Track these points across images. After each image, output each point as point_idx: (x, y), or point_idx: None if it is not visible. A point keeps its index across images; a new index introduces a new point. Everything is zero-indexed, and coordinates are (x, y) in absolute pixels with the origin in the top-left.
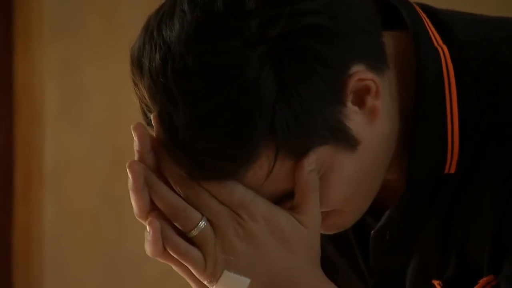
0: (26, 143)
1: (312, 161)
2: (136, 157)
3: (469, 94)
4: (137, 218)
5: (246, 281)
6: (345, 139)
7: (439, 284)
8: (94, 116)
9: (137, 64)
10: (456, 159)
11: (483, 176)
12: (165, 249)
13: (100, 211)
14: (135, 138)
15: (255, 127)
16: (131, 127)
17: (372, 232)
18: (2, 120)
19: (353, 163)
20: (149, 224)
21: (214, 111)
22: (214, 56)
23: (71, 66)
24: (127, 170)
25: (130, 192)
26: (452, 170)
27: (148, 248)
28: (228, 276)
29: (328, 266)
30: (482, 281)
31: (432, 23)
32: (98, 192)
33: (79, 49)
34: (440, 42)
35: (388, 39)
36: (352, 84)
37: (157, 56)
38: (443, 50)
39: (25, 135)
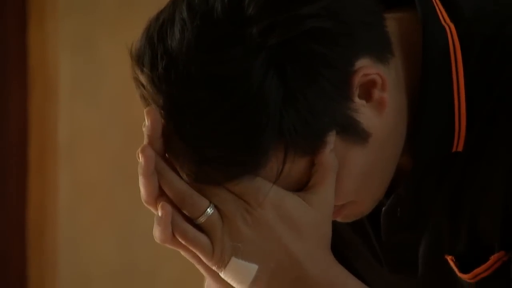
0: (41, 118)
1: (332, 141)
2: (145, 141)
3: (476, 71)
4: (144, 204)
5: (254, 267)
6: (355, 133)
7: (452, 259)
8: (108, 90)
9: (138, 64)
10: (464, 137)
11: (492, 153)
12: (173, 235)
13: (114, 185)
14: (148, 123)
15: (263, 133)
16: (145, 111)
17: (383, 209)
18: (17, 95)
19: (365, 156)
20: (161, 208)
21: (221, 121)
22: (217, 65)
23: (86, 41)
24: (139, 154)
25: (140, 177)
26: (460, 148)
27: (157, 234)
28: (236, 263)
29: (341, 243)
30: (493, 257)
31: (440, 1)
32: (112, 166)
33: (94, 24)
34: (447, 19)
35: (392, 24)
36: (358, 80)
37: (160, 65)
38: (450, 28)
39: (40, 110)
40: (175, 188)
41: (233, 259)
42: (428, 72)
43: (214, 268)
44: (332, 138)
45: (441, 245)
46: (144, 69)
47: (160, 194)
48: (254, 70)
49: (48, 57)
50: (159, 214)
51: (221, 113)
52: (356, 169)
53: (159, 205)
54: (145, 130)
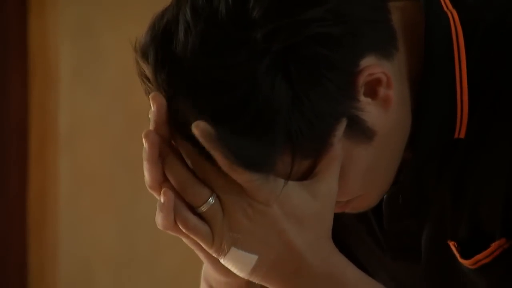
0: (41, 106)
1: (341, 130)
2: (151, 126)
3: (479, 58)
4: (148, 189)
5: (254, 257)
6: (361, 132)
7: (454, 245)
8: (109, 78)
9: (143, 62)
10: (466, 124)
11: (494, 140)
12: (176, 222)
13: (115, 173)
14: (154, 108)
15: (271, 138)
16: (150, 96)
17: (384, 197)
18: (17, 83)
19: (370, 153)
20: (164, 193)
21: (232, 130)
22: (222, 70)
23: (87, 29)
24: (143, 139)
25: (145, 162)
26: (462, 135)
27: (159, 221)
28: (236, 252)
29: (342, 231)
30: (494, 245)
31: None
32: (112, 154)
33: (94, 12)
34: (450, 6)
35: (395, 14)
36: (363, 79)
37: (164, 69)
38: (453, 14)
39: (40, 98)
40: (178, 176)
41: (233, 249)
42: (430, 59)
43: (214, 255)
44: (341, 127)
45: (443, 231)
46: (150, 69)
47: (164, 180)
48: (261, 75)
49: (49, 46)
50: (161, 200)
51: (231, 123)
52: (362, 166)
53: (162, 191)
54: (151, 115)
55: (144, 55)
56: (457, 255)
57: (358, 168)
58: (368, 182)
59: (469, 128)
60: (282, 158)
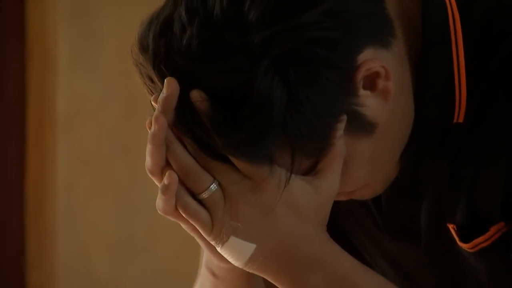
0: (39, 90)
1: (342, 127)
2: (159, 109)
3: (476, 42)
4: (148, 174)
5: (252, 246)
6: (362, 127)
7: (453, 228)
8: (107, 62)
9: (142, 49)
10: (464, 108)
11: (493, 125)
12: (176, 207)
13: (113, 157)
14: (167, 92)
15: (267, 139)
16: (166, 80)
17: None
18: (15, 66)
19: (373, 144)
20: (168, 175)
21: (229, 131)
22: (221, 75)
23: (85, 13)
24: (153, 122)
25: (150, 145)
26: (461, 120)
27: (160, 205)
28: (234, 241)
29: (340, 218)
30: (493, 228)
31: None
32: (110, 138)
33: None
34: None
35: (391, 2)
36: (361, 74)
37: (163, 66)
38: None
39: (38, 81)
40: (181, 162)
41: (232, 238)
42: (427, 45)
43: (212, 243)
44: (342, 125)
45: (442, 214)
46: (149, 66)
47: (166, 165)
48: (258, 79)
49: (47, 30)
50: (165, 182)
51: (229, 124)
52: (364, 158)
53: (166, 173)
54: (160, 98)
55: (143, 51)
56: (456, 238)
57: (361, 161)
58: (372, 172)
59: (468, 112)
60: (283, 157)
